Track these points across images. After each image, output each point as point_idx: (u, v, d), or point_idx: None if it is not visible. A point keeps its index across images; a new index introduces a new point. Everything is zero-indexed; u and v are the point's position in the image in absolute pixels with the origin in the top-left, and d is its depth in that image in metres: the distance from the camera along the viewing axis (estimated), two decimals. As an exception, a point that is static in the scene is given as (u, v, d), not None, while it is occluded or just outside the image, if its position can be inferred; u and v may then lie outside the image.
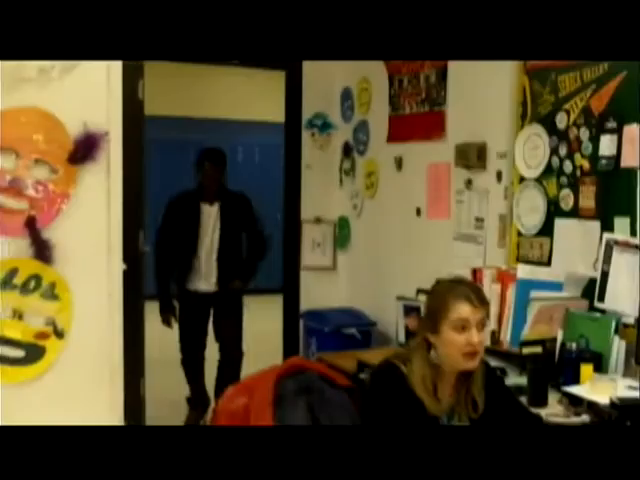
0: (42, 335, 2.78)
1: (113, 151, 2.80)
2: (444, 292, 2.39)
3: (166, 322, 5.12)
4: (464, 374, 2.38)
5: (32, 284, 2.76)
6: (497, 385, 2.52)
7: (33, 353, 2.79)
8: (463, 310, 2.31)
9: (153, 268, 4.93)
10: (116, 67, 2.83)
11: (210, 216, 5.08)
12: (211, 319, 5.16)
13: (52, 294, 2.78)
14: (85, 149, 2.75)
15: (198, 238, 5.03)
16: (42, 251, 2.73)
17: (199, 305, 5.09)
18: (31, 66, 2.70)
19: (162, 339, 5.15)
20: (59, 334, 2.80)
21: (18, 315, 2.75)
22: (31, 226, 2.73)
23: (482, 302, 2.36)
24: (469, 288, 2.39)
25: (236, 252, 5.12)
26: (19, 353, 2.78)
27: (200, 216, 5.04)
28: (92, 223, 2.78)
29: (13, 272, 2.74)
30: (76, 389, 2.81)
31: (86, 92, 2.78)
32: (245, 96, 9.45)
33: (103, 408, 2.84)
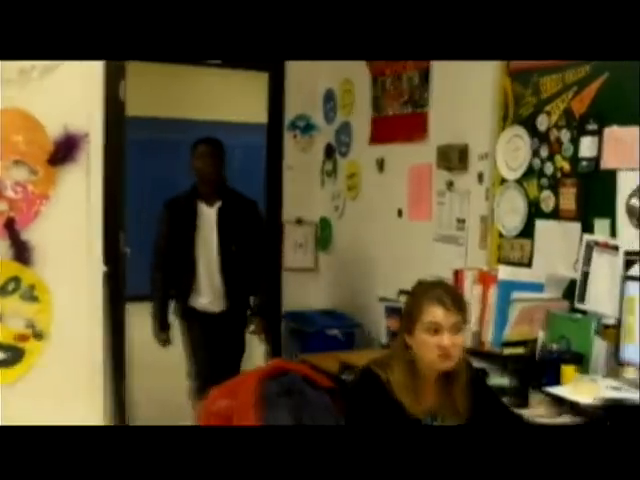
0: (22, 337, 2.77)
1: (93, 152, 2.80)
2: (419, 294, 2.41)
3: (162, 342, 4.57)
4: (445, 375, 2.39)
5: (11, 286, 2.75)
6: (481, 386, 2.53)
7: (13, 355, 2.78)
8: (435, 313, 2.32)
9: (149, 282, 4.51)
10: (97, 68, 2.82)
11: (209, 218, 4.47)
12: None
13: (31, 296, 2.77)
14: (65, 150, 2.74)
15: (195, 246, 4.43)
16: (21, 252, 2.72)
17: (203, 324, 4.52)
18: (11, 67, 2.69)
19: (143, 341, 5.13)
20: (38, 336, 2.78)
21: (-3, 317, 2.74)
22: (10, 227, 2.71)
23: (457, 306, 2.36)
24: (445, 291, 2.39)
25: (240, 265, 4.49)
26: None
27: (197, 219, 4.45)
28: (72, 224, 2.78)
29: (-8, 274, 2.73)
30: (57, 391, 2.80)
31: (66, 93, 2.77)
32: (226, 97, 9.41)
33: (84, 409, 2.83)
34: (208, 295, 4.48)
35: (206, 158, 4.43)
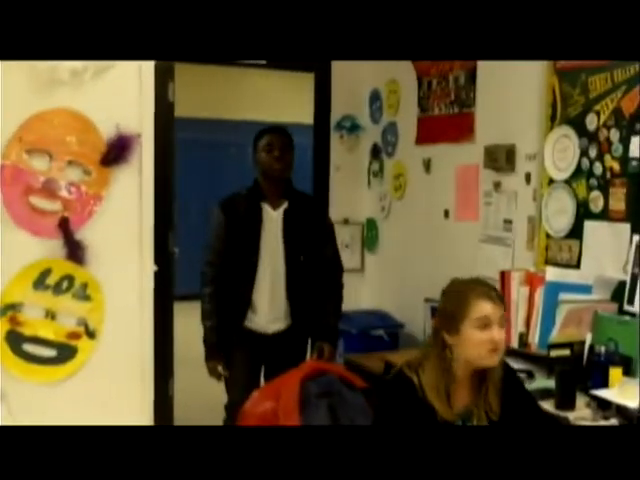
0: (74, 335, 2.82)
1: (145, 153, 2.83)
2: (464, 291, 2.40)
3: (214, 374, 3.76)
4: (479, 377, 2.39)
5: (65, 284, 2.80)
6: (516, 387, 2.52)
7: (65, 353, 2.83)
8: (485, 308, 2.33)
9: (200, 297, 3.76)
10: (148, 69, 2.85)
11: (274, 223, 3.74)
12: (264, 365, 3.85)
13: (84, 294, 2.82)
14: (117, 151, 2.78)
15: (258, 255, 3.71)
16: (75, 252, 2.77)
17: (254, 347, 3.76)
18: (64, 68, 2.73)
19: (189, 340, 5.18)
20: (91, 334, 2.83)
21: (51, 315, 2.79)
22: (64, 227, 2.77)
23: (501, 300, 2.40)
24: (488, 286, 2.42)
25: (307, 278, 3.80)
26: (51, 353, 2.82)
27: (262, 223, 3.71)
28: (124, 224, 2.82)
29: (46, 272, 2.78)
30: (107, 389, 2.84)
31: (118, 94, 2.82)
32: (273, 98, 9.48)
33: (133, 408, 2.87)
34: (267, 313, 3.76)
35: (276, 151, 3.71)
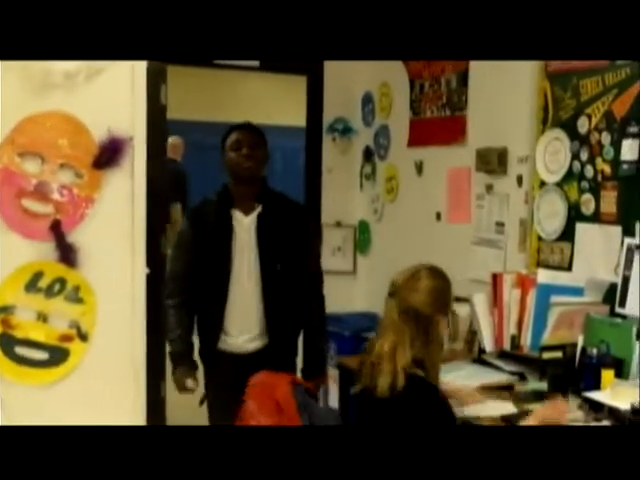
0: (66, 338, 2.81)
1: (137, 156, 2.82)
2: (444, 276, 2.71)
3: (182, 387, 3.46)
4: None
5: (57, 287, 2.78)
6: None
7: (57, 355, 2.81)
8: None
9: (165, 314, 3.55)
10: (140, 72, 2.85)
11: (246, 230, 3.41)
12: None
13: (76, 297, 2.80)
14: (110, 154, 2.77)
15: (230, 267, 3.39)
16: (67, 255, 2.76)
17: (231, 370, 3.42)
18: (57, 71, 2.72)
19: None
20: (83, 337, 2.82)
21: (42, 318, 2.78)
22: (56, 230, 2.75)
23: None
24: None
25: (286, 290, 3.44)
26: (43, 355, 2.80)
27: (232, 232, 3.40)
28: (116, 227, 2.80)
29: (38, 275, 2.77)
30: (100, 391, 2.83)
31: (111, 97, 2.80)
32: (265, 100, 9.49)
33: (126, 409, 2.86)
34: (242, 331, 3.44)
35: (245, 148, 3.41)
